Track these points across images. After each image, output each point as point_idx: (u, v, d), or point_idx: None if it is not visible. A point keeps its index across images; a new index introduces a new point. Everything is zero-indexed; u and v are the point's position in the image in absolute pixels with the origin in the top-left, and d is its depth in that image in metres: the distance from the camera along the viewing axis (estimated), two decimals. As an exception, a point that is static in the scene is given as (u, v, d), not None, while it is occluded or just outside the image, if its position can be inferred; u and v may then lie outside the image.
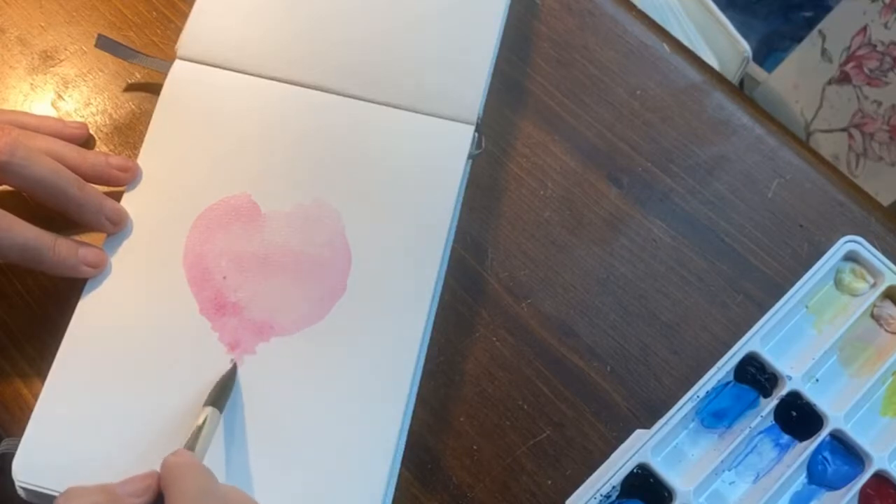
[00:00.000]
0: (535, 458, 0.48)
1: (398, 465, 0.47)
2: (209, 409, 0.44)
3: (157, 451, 0.45)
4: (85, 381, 0.46)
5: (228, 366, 0.47)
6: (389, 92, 0.54)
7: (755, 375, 0.50)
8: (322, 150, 0.52)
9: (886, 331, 0.52)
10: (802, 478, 0.48)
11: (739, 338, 0.50)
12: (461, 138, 0.53)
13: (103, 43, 0.55)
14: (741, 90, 0.75)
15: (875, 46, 0.90)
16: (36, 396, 0.46)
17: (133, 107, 0.56)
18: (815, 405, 0.49)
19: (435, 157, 0.52)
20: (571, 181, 0.55)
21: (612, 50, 0.58)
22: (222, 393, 0.45)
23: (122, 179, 0.51)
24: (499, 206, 0.54)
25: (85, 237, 0.50)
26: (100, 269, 0.48)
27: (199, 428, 0.42)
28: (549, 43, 0.59)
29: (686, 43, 0.68)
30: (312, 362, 0.47)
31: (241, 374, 0.47)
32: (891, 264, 0.52)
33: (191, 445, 0.41)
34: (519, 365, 0.50)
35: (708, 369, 0.49)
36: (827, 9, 1.00)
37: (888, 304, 0.52)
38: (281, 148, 0.52)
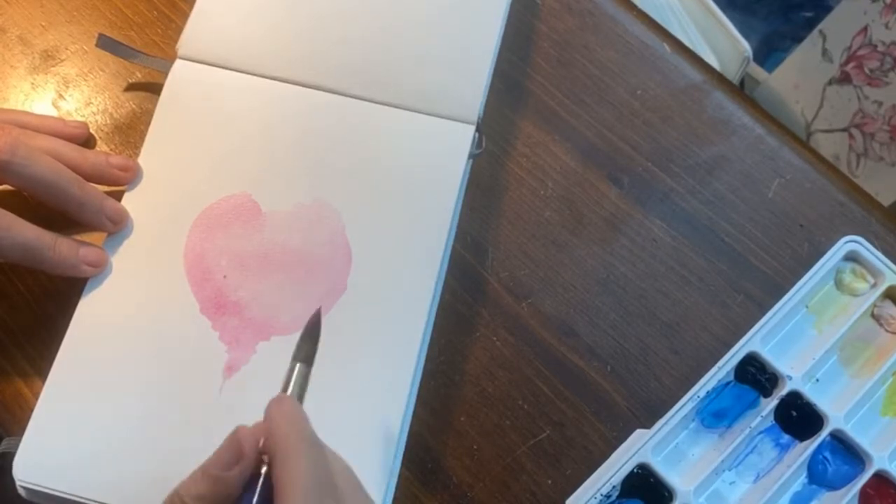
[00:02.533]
0: (536, 458, 0.48)
1: (398, 465, 0.47)
2: (298, 366, 0.39)
3: (158, 451, 0.45)
4: (85, 380, 0.46)
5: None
6: (390, 91, 0.54)
7: (755, 375, 0.50)
8: (323, 150, 0.52)
9: (887, 331, 0.52)
10: (803, 478, 0.48)
11: (740, 338, 0.50)
12: (462, 138, 0.53)
13: (104, 42, 0.55)
14: (741, 90, 0.75)
15: (876, 46, 0.90)
16: (37, 396, 0.46)
17: (134, 106, 0.56)
18: (815, 405, 0.49)
19: (435, 157, 0.52)
20: (572, 181, 0.55)
21: (613, 50, 0.58)
22: (312, 346, 0.41)
23: (122, 179, 0.51)
24: (499, 205, 0.54)
25: (86, 236, 0.50)
26: (100, 268, 0.48)
27: (294, 381, 0.39)
28: (550, 43, 0.59)
29: (686, 43, 0.68)
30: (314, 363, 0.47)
31: (242, 373, 0.47)
32: (891, 264, 0.52)
33: (294, 396, 0.38)
34: (519, 365, 0.50)
35: (708, 369, 0.49)
36: (827, 9, 1.00)
37: (888, 304, 0.52)
38: (281, 147, 0.52)
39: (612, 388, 0.50)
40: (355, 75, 0.54)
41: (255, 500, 0.35)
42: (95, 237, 0.50)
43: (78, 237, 0.49)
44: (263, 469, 0.36)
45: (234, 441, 0.36)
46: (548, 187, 0.55)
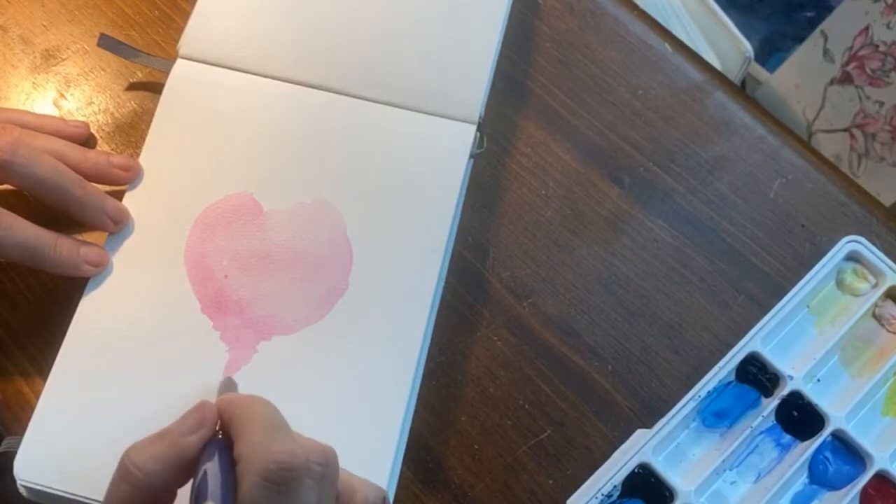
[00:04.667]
0: (536, 458, 0.48)
1: (399, 465, 0.47)
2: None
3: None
4: (86, 379, 0.46)
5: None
6: (391, 91, 0.54)
7: (756, 375, 0.50)
8: (324, 150, 0.52)
9: (888, 331, 0.52)
10: (804, 478, 0.48)
11: (741, 338, 0.50)
12: (462, 138, 0.53)
13: (105, 42, 0.55)
14: (743, 90, 0.75)
15: (877, 47, 0.90)
16: (38, 395, 0.46)
17: (135, 106, 0.56)
18: (816, 405, 0.49)
19: (436, 157, 0.52)
20: (573, 181, 0.55)
21: (614, 50, 0.58)
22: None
23: (123, 178, 0.51)
24: (500, 205, 0.54)
25: (87, 236, 0.50)
26: (101, 268, 0.48)
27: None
28: (551, 42, 0.59)
29: (688, 43, 0.68)
30: (313, 361, 0.47)
31: (242, 372, 0.47)
32: (892, 264, 0.52)
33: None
34: (520, 364, 0.50)
35: (709, 369, 0.49)
36: (829, 9, 0.99)
37: (889, 304, 0.52)
38: (283, 147, 0.52)
39: (613, 387, 0.50)
40: (357, 75, 0.54)
41: (214, 461, 0.36)
42: (97, 237, 0.50)
43: (79, 237, 0.49)
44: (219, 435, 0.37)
45: (198, 409, 0.38)
46: (549, 187, 0.55)
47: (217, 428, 0.38)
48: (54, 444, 0.45)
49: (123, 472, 0.35)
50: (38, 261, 0.47)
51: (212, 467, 0.35)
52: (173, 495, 0.36)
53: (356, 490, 0.38)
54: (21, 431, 0.45)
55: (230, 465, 0.35)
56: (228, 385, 0.45)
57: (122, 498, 0.35)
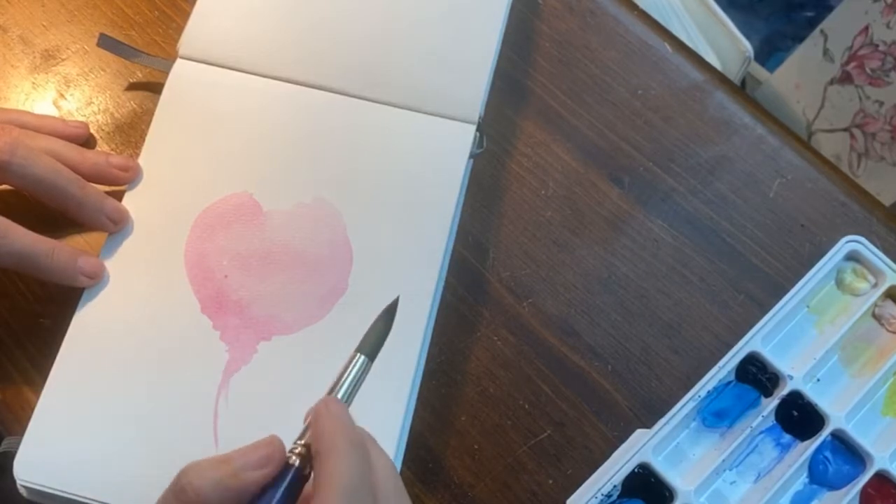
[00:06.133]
0: (536, 458, 0.48)
1: (399, 464, 0.47)
2: (361, 358, 0.39)
3: (159, 450, 0.45)
4: (86, 379, 0.46)
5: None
6: (391, 91, 0.54)
7: (756, 375, 0.50)
8: (323, 150, 0.52)
9: (888, 331, 0.52)
10: (803, 477, 0.48)
11: (741, 337, 0.50)
12: (462, 138, 0.53)
13: (105, 42, 0.55)
14: (743, 90, 0.75)
15: (877, 46, 0.90)
16: (37, 395, 0.46)
17: (134, 106, 0.56)
18: (816, 405, 0.49)
19: (436, 157, 0.52)
20: (573, 181, 0.55)
21: (614, 49, 0.58)
22: (378, 341, 0.40)
23: (122, 179, 0.51)
24: (500, 205, 0.54)
25: (86, 236, 0.50)
26: (97, 279, 0.48)
27: (349, 376, 0.38)
28: (551, 42, 0.59)
29: (688, 43, 0.67)
30: (313, 361, 0.47)
31: (242, 372, 0.47)
32: (892, 264, 0.52)
33: (344, 397, 0.38)
34: (520, 364, 0.50)
35: (709, 369, 0.49)
36: (829, 8, 0.99)
37: (889, 303, 0.52)
38: (282, 147, 0.52)
39: (612, 387, 0.50)
40: (357, 75, 0.54)
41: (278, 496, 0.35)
42: (96, 237, 0.50)
43: (78, 237, 0.49)
44: (295, 462, 0.35)
45: (269, 444, 0.36)
46: (549, 187, 0.55)
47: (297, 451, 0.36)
48: (54, 444, 0.45)
49: (178, 491, 0.34)
50: (34, 269, 0.47)
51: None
52: None
53: None
54: (21, 431, 0.45)
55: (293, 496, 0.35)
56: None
57: None
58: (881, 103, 0.90)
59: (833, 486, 0.48)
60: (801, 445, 0.49)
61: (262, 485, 0.35)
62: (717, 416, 0.49)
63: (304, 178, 0.52)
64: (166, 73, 0.54)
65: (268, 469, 0.35)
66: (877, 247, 0.52)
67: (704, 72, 0.58)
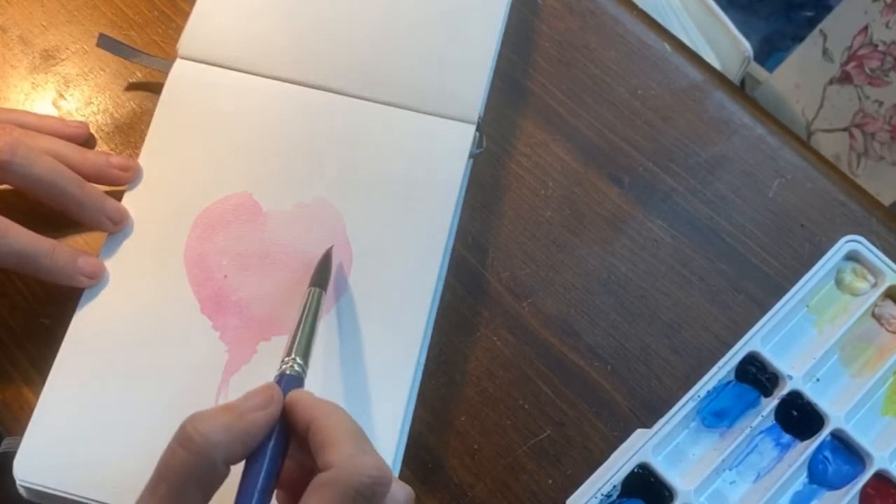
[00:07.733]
0: (536, 458, 0.48)
1: (399, 465, 0.47)
2: (316, 290, 0.45)
3: (159, 450, 0.45)
4: (86, 379, 0.46)
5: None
6: (390, 91, 0.54)
7: (756, 375, 0.50)
8: (323, 150, 0.52)
9: (887, 330, 0.52)
10: (803, 477, 0.48)
11: (740, 337, 0.50)
12: (462, 137, 0.53)
13: (105, 42, 0.55)
14: (742, 90, 0.75)
15: (876, 46, 0.90)
16: (37, 395, 0.46)
17: (134, 106, 0.56)
18: (815, 405, 0.49)
19: (436, 157, 0.52)
20: (572, 180, 0.55)
21: (614, 49, 0.58)
22: (323, 274, 0.46)
23: (122, 179, 0.51)
24: (500, 205, 0.54)
25: (86, 236, 0.50)
26: (96, 280, 0.48)
27: (310, 308, 0.43)
28: (551, 42, 0.59)
29: (687, 42, 0.68)
30: (313, 361, 0.47)
31: (242, 372, 0.47)
32: (892, 263, 0.52)
33: (308, 327, 0.42)
34: (520, 364, 0.50)
35: (709, 369, 0.49)
36: (828, 8, 0.99)
37: (889, 303, 0.52)
38: (282, 147, 0.52)
39: (612, 387, 0.50)
40: (356, 75, 0.54)
41: (271, 444, 0.36)
42: (96, 237, 0.50)
43: (78, 237, 0.49)
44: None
45: (265, 388, 0.37)
46: (548, 187, 0.55)
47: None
48: (54, 444, 0.45)
49: (183, 439, 0.34)
50: (34, 269, 0.47)
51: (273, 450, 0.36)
52: (226, 472, 0.35)
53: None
54: (21, 431, 0.45)
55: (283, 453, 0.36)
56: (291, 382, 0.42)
57: (178, 465, 0.34)
58: (881, 103, 0.90)
59: (833, 485, 0.48)
60: (800, 445, 0.49)
61: (267, 425, 0.36)
62: (716, 415, 0.49)
63: (303, 179, 0.52)
64: (166, 73, 0.54)
65: (270, 409, 0.36)
66: (876, 247, 0.52)
67: (704, 72, 0.58)
